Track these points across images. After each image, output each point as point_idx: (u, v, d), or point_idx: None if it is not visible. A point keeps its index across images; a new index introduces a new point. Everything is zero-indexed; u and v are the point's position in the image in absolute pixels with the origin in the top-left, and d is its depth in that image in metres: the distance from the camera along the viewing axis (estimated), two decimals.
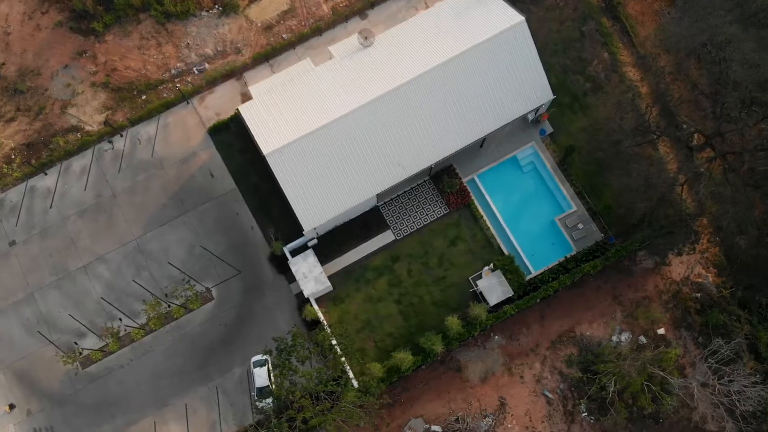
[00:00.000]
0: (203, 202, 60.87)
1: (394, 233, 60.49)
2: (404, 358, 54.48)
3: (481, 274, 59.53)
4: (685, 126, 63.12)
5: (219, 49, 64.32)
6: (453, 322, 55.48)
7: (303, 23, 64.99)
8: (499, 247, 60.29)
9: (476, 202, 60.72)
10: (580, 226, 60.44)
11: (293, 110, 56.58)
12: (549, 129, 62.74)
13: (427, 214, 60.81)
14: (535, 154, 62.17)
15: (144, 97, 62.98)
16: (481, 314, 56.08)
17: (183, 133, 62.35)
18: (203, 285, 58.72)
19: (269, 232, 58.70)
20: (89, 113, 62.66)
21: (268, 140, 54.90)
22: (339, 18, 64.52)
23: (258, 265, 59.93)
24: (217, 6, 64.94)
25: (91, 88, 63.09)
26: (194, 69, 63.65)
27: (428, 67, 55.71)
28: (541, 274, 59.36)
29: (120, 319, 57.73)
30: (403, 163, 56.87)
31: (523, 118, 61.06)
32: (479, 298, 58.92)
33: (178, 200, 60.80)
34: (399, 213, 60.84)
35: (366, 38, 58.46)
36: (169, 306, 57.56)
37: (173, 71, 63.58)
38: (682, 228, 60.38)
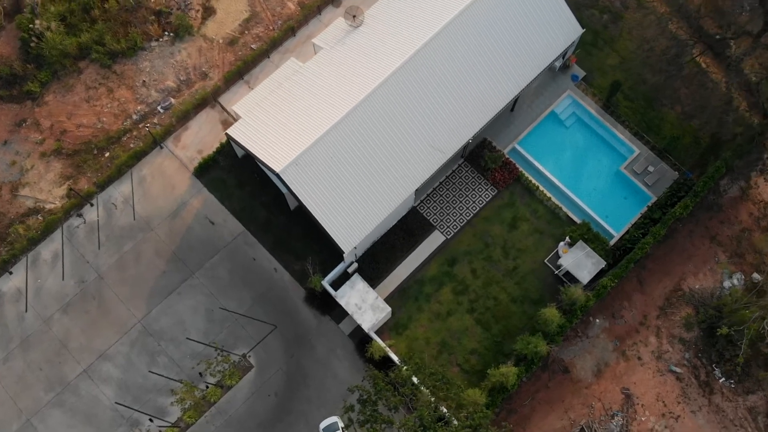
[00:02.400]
0: (210, 256, 50.02)
1: (442, 233, 50.55)
2: (507, 372, 44.02)
3: (557, 252, 49.88)
4: (718, 37, 55.67)
5: (182, 78, 54.34)
6: (551, 313, 45.42)
7: (271, 27, 55.69)
8: (567, 216, 50.88)
9: (526, 173, 51.41)
10: (651, 168, 51.60)
11: (294, 116, 46.73)
12: (581, 73, 54.29)
13: (473, 202, 51.16)
14: (574, 104, 53.46)
15: (107, 153, 52.29)
16: (580, 296, 46.23)
17: (164, 183, 51.73)
18: (236, 353, 47.47)
19: (306, 264, 48.02)
20: (46, 189, 51.55)
21: (276, 157, 44.76)
22: (310, 12, 55.49)
23: (294, 312, 49.07)
24: (167, 32, 55.19)
25: (41, 160, 52.12)
26: (158, 108, 53.42)
27: (437, 29, 46.72)
28: (626, 234, 50.09)
29: (150, 420, 45.82)
30: (437, 145, 47.35)
31: (550, 68, 52.55)
32: (564, 280, 49.15)
33: (179, 262, 49.80)
34: (441, 208, 51.05)
35: (354, 17, 49.37)
36: (205, 388, 45.98)
37: (135, 116, 53.21)
38: (754, 143, 52.22)
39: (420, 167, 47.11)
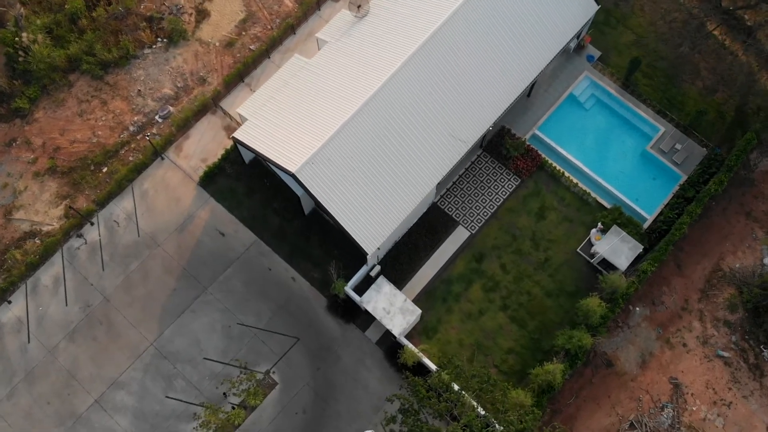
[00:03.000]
0: (222, 269, 46.93)
1: (466, 228, 47.84)
2: (553, 369, 41.18)
3: (590, 240, 47.30)
4: (731, 8, 53.73)
5: (179, 85, 51.47)
6: (593, 303, 42.71)
7: (269, 26, 53.05)
8: (597, 202, 48.36)
9: (549, 160, 48.90)
10: (678, 146, 49.27)
11: (304, 114, 43.96)
12: (596, 53, 52.04)
13: (497, 193, 48.54)
14: (593, 85, 51.15)
15: (105, 169, 49.19)
16: (621, 283, 43.61)
17: (168, 195, 48.68)
18: (258, 371, 44.28)
19: (329, 268, 45.01)
20: (42, 210, 48.32)
21: (289, 157, 41.88)
22: (309, 8, 52.94)
23: (317, 322, 46.02)
24: (160, 39, 52.37)
25: (35, 180, 48.92)
26: (156, 117, 50.48)
27: (449, 12, 44.26)
28: (660, 215, 47.64)
29: None
30: (457, 134, 44.77)
31: (565, 50, 50.26)
32: (600, 269, 46.56)
33: (190, 278, 46.66)
34: (463, 202, 48.37)
35: (359, 7, 46.86)
36: (231, 408, 42.68)
37: (132, 128, 50.21)
38: None
39: (441, 159, 44.46)
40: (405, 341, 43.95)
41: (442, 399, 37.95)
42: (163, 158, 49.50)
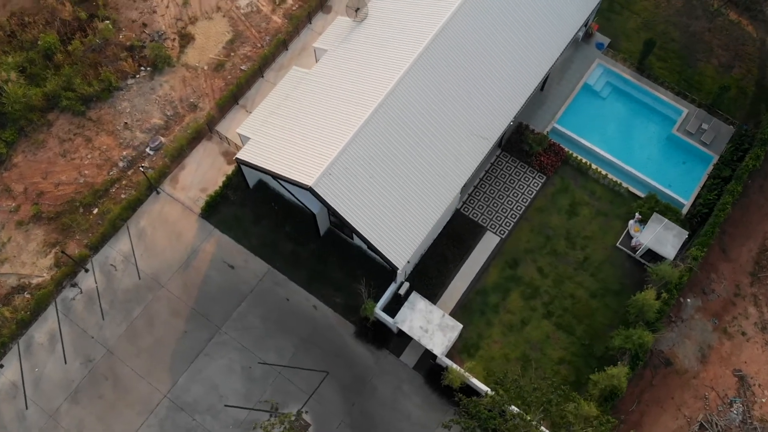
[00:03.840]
0: (235, 304, 42.66)
1: (495, 233, 44.36)
2: (617, 372, 37.36)
3: (628, 232, 44.10)
4: None
5: (168, 114, 47.81)
6: (649, 296, 39.20)
7: (259, 45, 49.89)
8: (629, 192, 45.32)
9: (573, 153, 45.94)
10: (705, 126, 46.69)
11: (312, 126, 40.50)
12: (605, 40, 49.71)
13: (522, 193, 45.29)
14: (607, 72, 48.63)
15: (96, 210, 44.97)
16: (673, 273, 40.27)
17: (168, 231, 44.54)
18: (288, 413, 39.69)
19: (359, 286, 40.94)
20: (30, 261, 43.77)
21: (303, 171, 38.22)
22: (299, 22, 49.99)
23: (346, 351, 41.77)
24: (143, 67, 48.86)
25: (19, 230, 44.47)
26: (147, 150, 46.62)
27: (453, 7, 41.49)
28: (697, 199, 44.73)
29: None
30: (478, 131, 41.62)
31: (574, 39, 47.74)
32: (643, 261, 43.27)
33: (200, 318, 42.28)
34: (488, 206, 45.01)
35: (357, 11, 44.00)
36: None
37: (121, 163, 46.24)
38: None
39: (464, 159, 41.15)
40: (448, 361, 39.86)
41: (506, 419, 33.84)
42: (158, 192, 45.49)
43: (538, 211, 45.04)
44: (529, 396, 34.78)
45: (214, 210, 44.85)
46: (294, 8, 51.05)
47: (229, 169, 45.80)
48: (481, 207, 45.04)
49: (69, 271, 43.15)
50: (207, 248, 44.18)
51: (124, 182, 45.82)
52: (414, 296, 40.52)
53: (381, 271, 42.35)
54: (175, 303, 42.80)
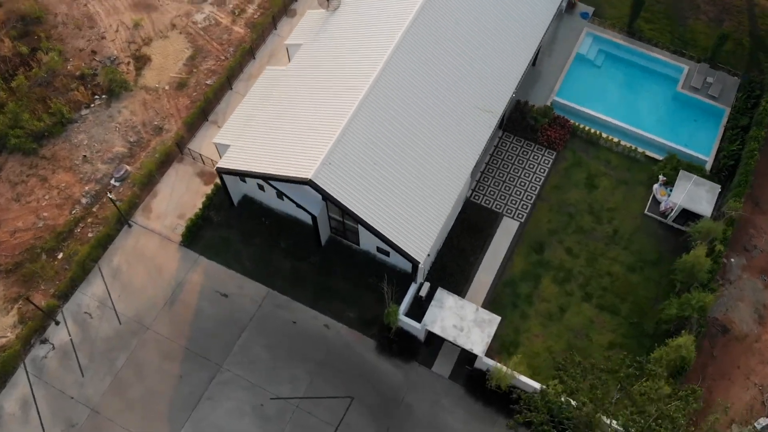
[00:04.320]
0: (235, 337, 37.11)
1: (513, 218, 40.18)
2: (684, 341, 32.88)
3: (654, 198, 40.43)
4: None
5: (132, 140, 42.89)
6: (700, 253, 35.18)
7: (223, 57, 45.73)
8: (646, 156, 41.90)
9: (581, 125, 42.51)
10: (710, 79, 43.92)
11: (299, 120, 36.18)
12: (589, 9, 47.11)
13: (534, 172, 41.40)
14: (597, 39, 45.79)
15: (60, 254, 39.28)
16: (716, 227, 36.49)
17: (147, 266, 39.05)
18: None
19: (381, 286, 35.67)
20: None
21: (298, 167, 33.69)
22: (263, 29, 46.14)
23: (369, 370, 36.39)
24: (98, 95, 44.11)
25: None
26: (112, 182, 41.43)
27: None
28: (719, 152, 41.53)
29: None
30: (481, 104, 37.89)
31: (558, 13, 44.96)
32: (676, 226, 39.52)
33: (197, 358, 36.55)
34: (500, 191, 40.92)
35: (329, 1, 40.41)
36: None
37: (85, 200, 40.88)
38: None
39: (471, 136, 37.25)
40: (490, 361, 34.81)
41: (578, 406, 28.86)
42: (130, 225, 40.14)
43: (555, 189, 41.13)
44: (597, 378, 29.90)
45: (197, 235, 39.65)
46: (256, 16, 47.30)
47: (208, 189, 40.88)
48: (492, 193, 40.92)
49: (37, 326, 37.11)
50: (194, 279, 38.75)
51: (89, 220, 40.37)
52: (441, 293, 35.67)
53: (395, 275, 37.52)
54: (165, 345, 37.00)
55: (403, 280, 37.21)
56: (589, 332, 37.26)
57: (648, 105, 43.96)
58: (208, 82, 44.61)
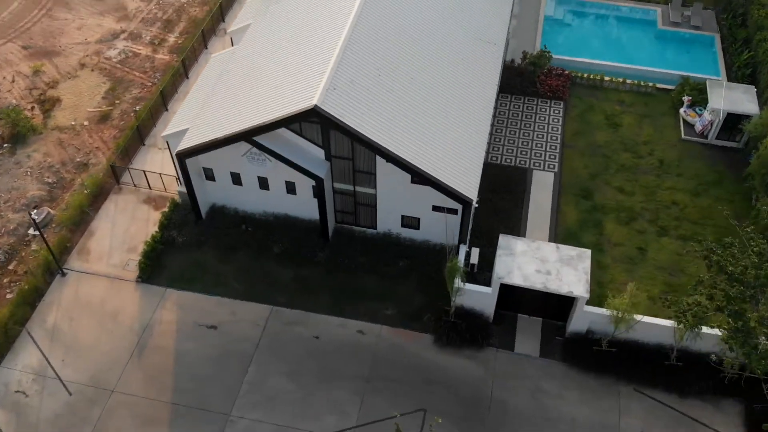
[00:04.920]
0: (241, 372, 26.46)
1: (543, 170, 33.36)
2: None
3: (685, 121, 35.30)
4: None
5: (51, 181, 33.25)
6: None
7: (149, 82, 38.11)
8: (658, 89, 37.21)
9: (580, 73, 37.74)
10: (687, 13, 41.22)
11: (280, 68, 28.67)
12: None
13: (547, 123, 35.42)
14: (560, 1, 42.63)
15: None
16: None
17: (96, 316, 28.25)
18: None
19: (449, 233, 26.65)
20: None
21: (294, 102, 25.77)
22: (194, 48, 39.34)
23: (435, 371, 26.51)
24: (4, 144, 34.76)
25: None
26: (31, 230, 31.18)
27: None
28: (731, 68, 37.66)
29: None
30: (481, 36, 32.23)
31: None
32: (720, 143, 34.21)
33: (193, 412, 25.39)
34: (520, 149, 34.28)
35: None
36: None
37: (1, 256, 30.24)
38: None
39: (483, 67, 31.16)
40: (596, 310, 26.20)
41: None
42: (64, 273, 29.59)
43: (576, 135, 35.12)
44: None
45: (158, 265, 29.65)
46: (180, 42, 40.67)
47: (159, 215, 31.44)
48: (509, 151, 34.26)
49: None
50: (164, 317, 28.25)
51: (6, 279, 29.47)
52: (505, 239, 27.29)
53: (425, 253, 29.13)
54: (143, 407, 25.63)
55: (439, 257, 28.75)
56: (683, 266, 29.70)
57: (636, 46, 40.34)
58: (136, 108, 36.49)
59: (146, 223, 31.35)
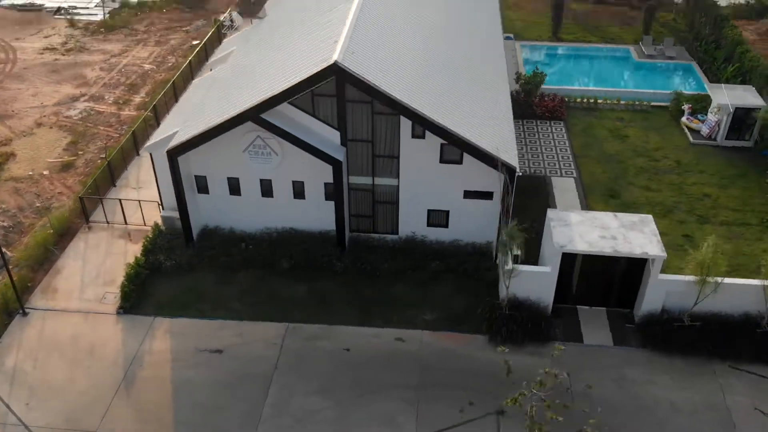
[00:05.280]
0: (260, 395, 21.07)
1: (562, 176, 30.86)
2: None
3: (690, 129, 34.18)
4: None
5: (7, 225, 28.31)
6: None
7: (115, 134, 34.58)
8: (653, 107, 36.39)
9: (573, 97, 36.81)
10: (660, 46, 41.90)
11: (287, 49, 26.16)
12: (509, 34, 44.51)
13: (553, 140, 33.50)
14: (534, 47, 42.76)
15: None
16: None
17: (69, 353, 22.63)
18: None
19: (509, 228, 22.75)
20: None
21: (311, 66, 22.90)
22: (165, 98, 36.46)
23: (497, 372, 21.67)
24: None
25: None
26: None
27: None
28: (716, 76, 37.62)
29: None
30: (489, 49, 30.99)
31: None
32: (730, 144, 33.01)
33: None
34: (530, 160, 31.93)
35: (254, 16, 33.29)
36: None
37: None
38: None
39: (490, 54, 29.62)
40: (676, 278, 22.70)
41: None
42: (25, 313, 24.07)
43: (586, 147, 33.28)
44: None
45: (142, 293, 24.61)
46: (146, 100, 37.80)
47: (139, 247, 26.74)
48: (521, 163, 31.86)
49: None
50: (156, 347, 22.88)
51: None
52: (554, 213, 23.94)
53: (458, 253, 25.54)
54: None
55: (476, 257, 25.23)
56: (737, 249, 27.01)
57: (619, 76, 40.45)
58: (102, 156, 32.66)
59: (124, 257, 26.53)
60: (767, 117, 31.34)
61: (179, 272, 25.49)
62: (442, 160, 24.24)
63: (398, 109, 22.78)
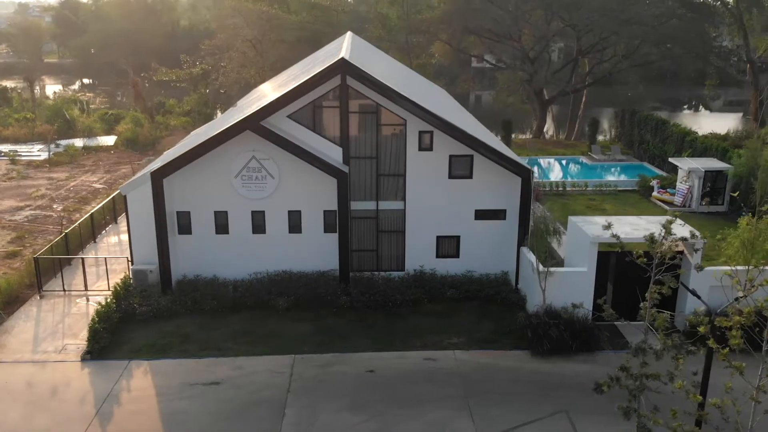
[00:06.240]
0: (275, 418, 16.94)
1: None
2: None
3: (662, 199, 34.51)
4: None
5: None
6: None
7: (68, 228, 31.28)
8: (619, 191, 37.05)
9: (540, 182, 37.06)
10: (606, 152, 43.92)
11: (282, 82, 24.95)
12: None
13: (536, 213, 32.89)
14: None
15: None
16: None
17: (21, 400, 17.89)
18: None
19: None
20: None
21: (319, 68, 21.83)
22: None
23: (551, 381, 18.68)
24: None
25: None
26: None
27: None
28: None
29: None
30: None
31: None
32: (705, 206, 33.37)
33: None
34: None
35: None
36: None
37: None
38: None
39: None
40: (712, 269, 20.90)
41: None
42: None
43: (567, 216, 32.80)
44: None
45: (114, 341, 20.45)
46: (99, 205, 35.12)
47: (110, 293, 22.78)
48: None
49: None
50: (134, 384, 18.56)
51: None
52: (576, 218, 22.44)
53: (473, 283, 23.31)
54: None
55: (493, 284, 23.11)
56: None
57: (578, 174, 41.28)
58: (50, 237, 29.19)
59: (86, 317, 22.45)
60: (739, 173, 32.18)
61: (157, 318, 21.68)
62: (451, 175, 22.92)
63: (407, 107, 21.85)
